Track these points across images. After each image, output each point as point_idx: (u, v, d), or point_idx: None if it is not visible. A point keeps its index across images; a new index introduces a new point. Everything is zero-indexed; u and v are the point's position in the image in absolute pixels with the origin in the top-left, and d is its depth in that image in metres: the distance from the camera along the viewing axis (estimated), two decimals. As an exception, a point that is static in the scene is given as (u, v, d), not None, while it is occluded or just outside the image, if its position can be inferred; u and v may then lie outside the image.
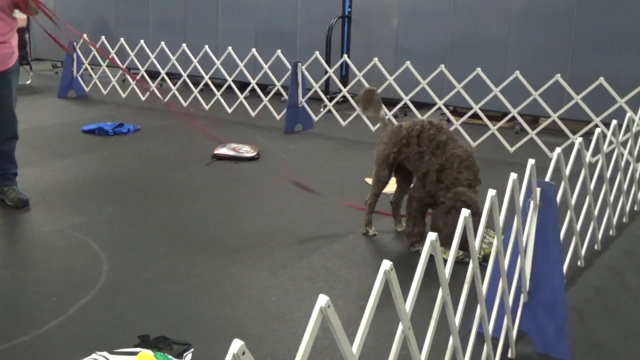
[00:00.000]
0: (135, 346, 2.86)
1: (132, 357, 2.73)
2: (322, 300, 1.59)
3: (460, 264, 3.34)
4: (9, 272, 3.76)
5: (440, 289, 2.19)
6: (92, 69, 9.61)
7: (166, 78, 8.93)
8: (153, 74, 9.28)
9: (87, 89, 9.48)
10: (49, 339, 3.02)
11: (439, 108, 7.33)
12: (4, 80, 4.49)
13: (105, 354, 2.76)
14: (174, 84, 8.83)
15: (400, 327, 1.96)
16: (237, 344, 1.39)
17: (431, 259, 2.01)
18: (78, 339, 3.02)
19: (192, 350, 2.83)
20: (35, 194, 4.98)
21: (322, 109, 7.92)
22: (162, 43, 8.88)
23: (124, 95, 9.16)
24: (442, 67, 7.07)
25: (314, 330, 1.56)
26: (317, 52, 7.83)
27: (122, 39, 9.30)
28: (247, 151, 6.32)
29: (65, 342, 2.99)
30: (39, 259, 3.97)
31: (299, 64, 7.60)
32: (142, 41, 9.08)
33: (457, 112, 8.04)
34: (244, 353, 1.40)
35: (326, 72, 7.93)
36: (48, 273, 3.77)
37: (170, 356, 2.73)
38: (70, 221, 4.50)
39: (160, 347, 2.82)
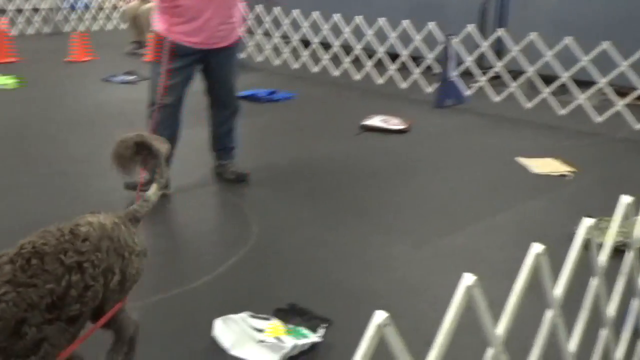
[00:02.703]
0: (278, 310, 2.94)
1: (266, 323, 2.81)
2: (469, 278, 1.55)
3: (617, 253, 3.15)
4: (168, 228, 3.99)
5: (593, 277, 2.07)
6: (248, 36, 9.89)
7: (318, 47, 9.03)
8: (306, 44, 9.41)
9: (243, 56, 9.76)
10: (198, 293, 3.19)
11: (600, 88, 6.92)
12: (227, 55, 4.48)
13: (244, 315, 2.86)
14: (326, 54, 8.92)
15: (548, 313, 1.88)
16: (380, 315, 1.38)
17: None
18: (224, 296, 3.17)
19: (327, 325, 2.86)
20: (195, 156, 5.21)
21: (474, 84, 7.72)
22: (316, 13, 8.97)
23: (277, 63, 9.38)
24: (606, 44, 6.65)
25: (459, 308, 1.53)
26: (471, 26, 7.61)
27: (277, 8, 9.50)
28: (396, 124, 6.28)
29: (213, 298, 3.14)
30: (194, 218, 4.19)
31: (452, 36, 7.43)
32: (296, 11, 9.21)
33: (621, 93, 7.54)
34: (386, 325, 1.39)
35: (480, 46, 7.69)
36: (202, 232, 3.97)
37: (304, 330, 2.78)
38: (225, 183, 4.69)
39: (300, 317, 2.88)
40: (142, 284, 3.27)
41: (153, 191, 2.42)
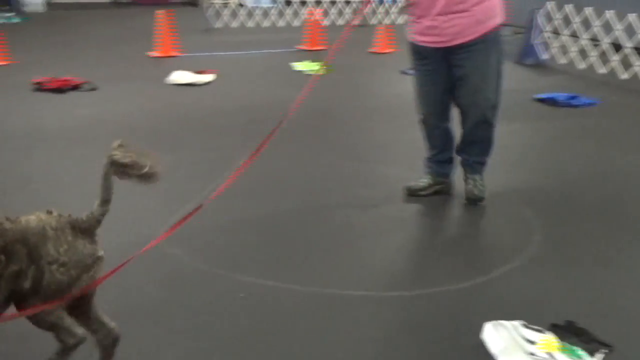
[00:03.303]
0: (553, 325, 2.79)
1: (539, 336, 2.68)
2: None
3: None
4: (447, 226, 4.01)
5: None
6: (553, 37, 9.49)
7: (631, 52, 8.36)
8: (617, 47, 8.77)
9: (546, 57, 9.39)
10: (471, 293, 3.15)
11: None
12: (469, 53, 3.96)
13: (516, 323, 2.76)
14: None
15: None
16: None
17: None
18: (497, 300, 3.09)
19: (607, 351, 2.64)
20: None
21: None
22: (632, 15, 8.29)
23: (582, 67, 8.87)
24: None
25: None
26: None
27: (588, 9, 8.96)
28: None
29: (485, 300, 3.09)
30: (475, 218, 4.15)
31: None
32: (609, 12, 8.61)
33: None
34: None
35: None
36: (481, 233, 3.94)
37: (580, 350, 2.60)
38: (504, 182, 4.58)
39: (577, 337, 2.70)
40: (417, 275, 3.36)
41: (96, 205, 2.17)
